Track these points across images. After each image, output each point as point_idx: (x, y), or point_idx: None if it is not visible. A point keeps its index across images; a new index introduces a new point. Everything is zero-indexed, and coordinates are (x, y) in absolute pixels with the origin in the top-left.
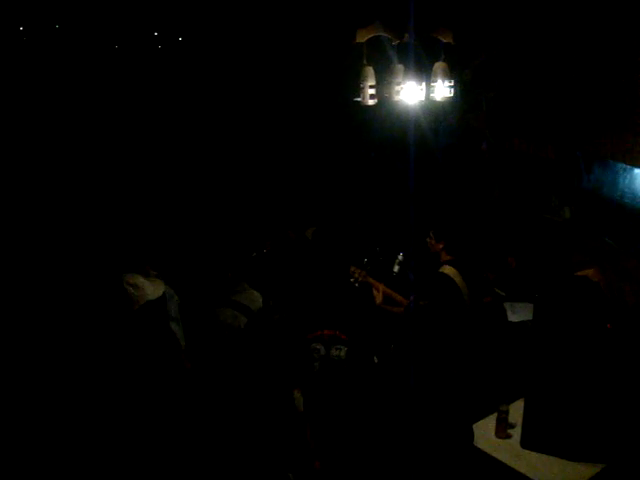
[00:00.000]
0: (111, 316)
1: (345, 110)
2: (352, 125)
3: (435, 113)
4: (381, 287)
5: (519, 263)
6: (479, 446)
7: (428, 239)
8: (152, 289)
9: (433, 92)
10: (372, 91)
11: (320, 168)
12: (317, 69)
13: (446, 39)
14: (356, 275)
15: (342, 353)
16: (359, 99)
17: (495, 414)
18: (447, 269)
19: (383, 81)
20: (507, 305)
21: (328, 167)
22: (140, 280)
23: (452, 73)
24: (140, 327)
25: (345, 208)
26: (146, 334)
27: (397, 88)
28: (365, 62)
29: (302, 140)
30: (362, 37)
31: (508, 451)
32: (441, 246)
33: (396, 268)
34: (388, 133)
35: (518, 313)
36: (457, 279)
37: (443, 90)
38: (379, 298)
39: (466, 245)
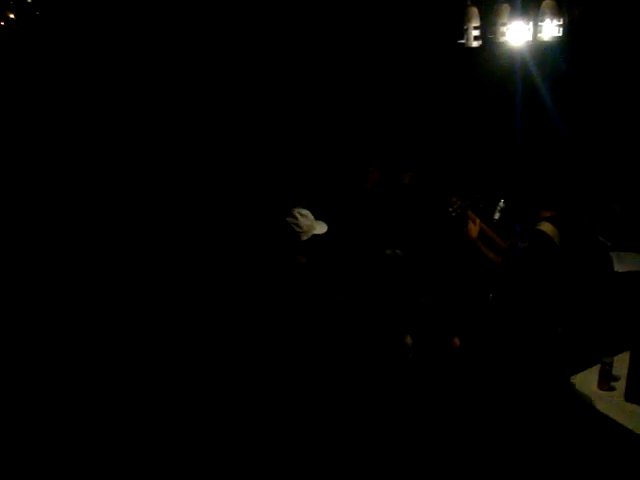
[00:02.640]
0: (279, 245)
1: (449, 52)
2: (456, 67)
3: (543, 54)
4: (478, 222)
5: (626, 210)
6: (581, 397)
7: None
8: (319, 226)
9: (541, 32)
10: (476, 32)
11: (421, 112)
12: (419, 10)
13: None
14: (456, 206)
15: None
16: (463, 41)
17: (598, 366)
18: (545, 226)
19: (488, 22)
20: (614, 255)
21: (429, 110)
22: (308, 213)
23: (562, 10)
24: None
25: (446, 154)
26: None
27: (502, 29)
28: (469, 2)
29: (404, 84)
30: None
31: (611, 404)
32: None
33: (497, 215)
34: (493, 76)
35: (625, 263)
36: (557, 239)
37: (552, 29)
38: (474, 232)
39: (567, 199)
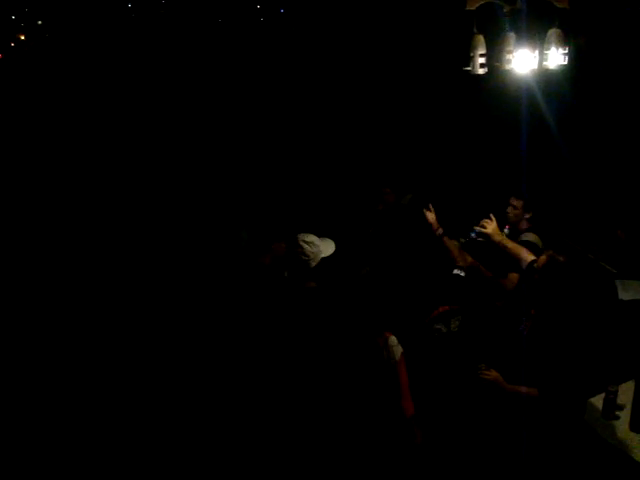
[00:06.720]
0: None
1: (455, 79)
2: (462, 95)
3: (548, 82)
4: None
5: (631, 237)
6: (586, 426)
7: (510, 208)
8: (325, 246)
9: (546, 60)
10: (482, 60)
11: (426, 136)
12: (427, 38)
13: (561, 4)
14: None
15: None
16: (469, 68)
17: (603, 394)
18: (531, 236)
19: (494, 50)
20: (618, 282)
21: (434, 136)
22: (314, 238)
23: (567, 40)
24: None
25: (447, 179)
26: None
27: (508, 57)
28: (475, 30)
29: (409, 109)
30: (473, 4)
31: (615, 433)
32: (528, 216)
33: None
34: (498, 103)
35: (630, 291)
36: (540, 243)
37: (557, 58)
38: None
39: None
